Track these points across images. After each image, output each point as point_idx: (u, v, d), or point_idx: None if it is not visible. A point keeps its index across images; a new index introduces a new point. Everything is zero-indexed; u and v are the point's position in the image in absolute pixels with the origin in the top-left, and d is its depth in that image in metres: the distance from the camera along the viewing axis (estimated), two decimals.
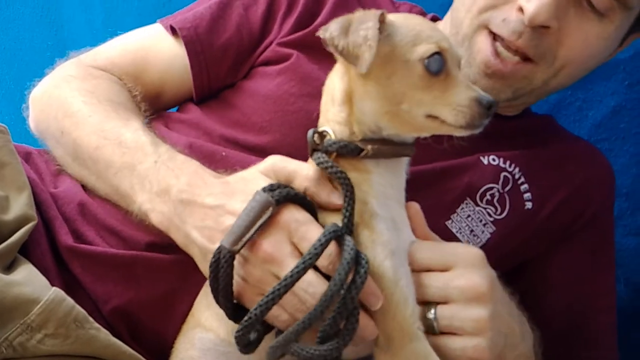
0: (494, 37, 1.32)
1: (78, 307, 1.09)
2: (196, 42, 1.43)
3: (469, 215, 1.33)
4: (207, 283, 1.17)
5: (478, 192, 1.34)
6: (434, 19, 1.55)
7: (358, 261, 1.02)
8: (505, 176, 1.36)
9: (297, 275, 1.01)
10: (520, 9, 1.28)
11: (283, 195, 1.06)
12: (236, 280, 1.07)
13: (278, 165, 1.13)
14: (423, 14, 1.56)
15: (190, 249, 1.16)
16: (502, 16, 1.31)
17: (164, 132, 1.38)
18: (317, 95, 1.28)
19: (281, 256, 1.05)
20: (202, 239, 1.12)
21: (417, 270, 1.11)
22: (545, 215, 1.39)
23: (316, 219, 1.09)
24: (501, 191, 1.36)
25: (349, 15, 1.08)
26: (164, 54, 1.47)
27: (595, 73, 1.78)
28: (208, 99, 1.47)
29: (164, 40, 1.48)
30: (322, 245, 1.02)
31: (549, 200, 1.39)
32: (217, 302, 1.08)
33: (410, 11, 1.54)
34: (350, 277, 1.01)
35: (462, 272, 1.11)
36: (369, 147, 1.09)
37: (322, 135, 1.12)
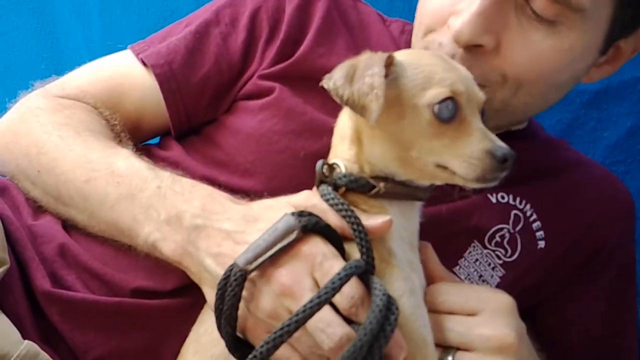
0: None
1: None
2: (171, 79, 1.32)
3: (477, 260, 1.25)
4: (194, 328, 1.11)
5: (487, 234, 1.25)
6: None
7: (389, 307, 0.94)
8: (515, 214, 1.27)
9: (310, 310, 0.92)
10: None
11: (312, 224, 0.98)
12: (244, 312, 1.00)
13: (311, 200, 1.04)
14: None
15: (202, 278, 1.07)
16: (439, 39, 1.20)
17: None
18: (302, 132, 1.22)
19: (300, 290, 0.96)
20: (216, 266, 1.03)
21: (440, 312, 1.04)
22: (559, 255, 1.30)
23: (343, 256, 1.00)
24: (512, 231, 1.27)
25: (354, 60, 1.01)
26: (138, 84, 1.36)
27: (609, 92, 1.73)
28: (189, 135, 1.37)
29: (136, 68, 1.36)
30: (340, 280, 0.94)
31: (563, 238, 1.30)
32: (219, 327, 0.99)
33: (402, 29, 1.44)
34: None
35: (488, 319, 1.04)
36: (382, 184, 1.02)
37: (331, 167, 1.05)
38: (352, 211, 1.00)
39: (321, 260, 0.98)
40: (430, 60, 1.01)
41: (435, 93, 0.97)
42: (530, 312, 1.31)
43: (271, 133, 1.27)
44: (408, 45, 1.40)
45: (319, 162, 1.06)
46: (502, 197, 1.28)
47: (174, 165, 1.29)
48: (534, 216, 1.29)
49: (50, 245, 1.21)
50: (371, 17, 1.45)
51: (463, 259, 1.24)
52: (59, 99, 1.34)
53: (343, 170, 1.05)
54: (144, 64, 1.35)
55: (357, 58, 1.02)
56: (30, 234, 1.22)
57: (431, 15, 1.22)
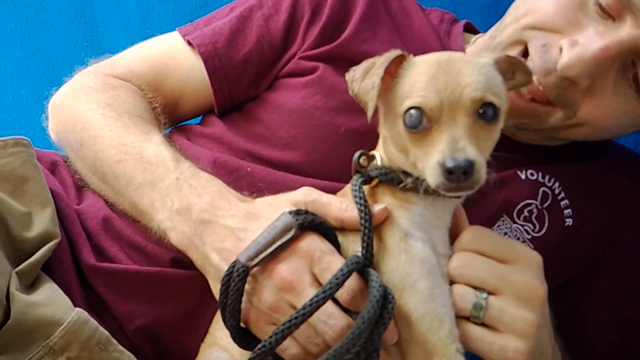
0: (525, 56, 1.25)
1: (101, 329, 1.07)
2: (215, 57, 1.39)
3: (505, 233, 1.28)
4: None
5: (515, 209, 1.28)
6: (467, 27, 1.49)
7: (385, 296, 0.99)
8: (544, 191, 1.30)
9: (316, 304, 0.98)
10: (562, 50, 1.20)
11: (308, 221, 1.04)
12: (247, 305, 1.05)
13: (311, 196, 1.10)
14: (455, 20, 1.49)
15: (206, 270, 1.13)
16: (545, 41, 1.22)
17: (187, 146, 1.35)
18: (343, 110, 1.27)
19: (300, 284, 1.02)
20: (219, 260, 1.09)
21: (477, 253, 1.07)
22: (586, 233, 1.32)
23: (338, 250, 1.06)
24: (540, 207, 1.29)
25: (377, 57, 1.06)
26: (183, 64, 1.43)
27: None
28: (230, 112, 1.43)
29: (183, 49, 1.43)
30: (344, 276, 0.99)
31: (591, 217, 1.32)
32: (224, 319, 1.05)
33: (441, 18, 1.47)
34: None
35: (523, 270, 1.07)
36: (409, 179, 1.06)
37: (370, 158, 1.10)
38: (367, 207, 1.04)
39: (319, 256, 1.03)
40: (423, 69, 1.03)
41: (408, 103, 1.01)
42: (556, 294, 1.35)
43: (313, 109, 1.32)
44: (447, 34, 1.44)
45: (357, 153, 1.11)
46: (532, 174, 1.31)
47: (216, 141, 1.36)
48: (562, 194, 1.31)
49: (94, 220, 1.27)
50: (412, 5, 1.48)
51: None
52: (109, 78, 1.41)
53: (379, 162, 1.10)
54: (190, 44, 1.41)
55: (380, 55, 1.06)
56: (76, 211, 1.28)
57: (548, 17, 1.23)
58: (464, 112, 0.99)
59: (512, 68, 1.09)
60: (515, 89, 1.12)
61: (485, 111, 1.00)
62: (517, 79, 1.11)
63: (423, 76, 1.02)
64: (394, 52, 1.04)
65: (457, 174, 0.95)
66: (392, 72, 1.04)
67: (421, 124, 0.99)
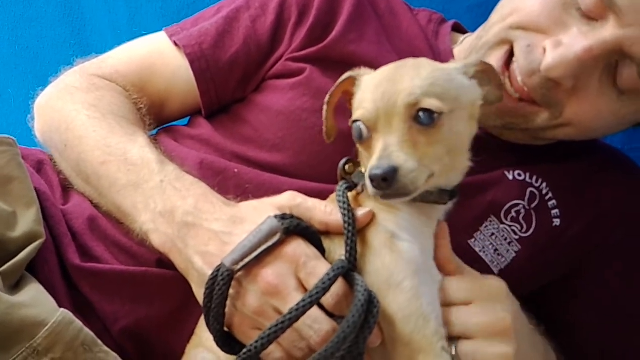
0: (511, 56, 1.25)
1: (86, 330, 1.06)
2: (201, 59, 1.38)
3: (493, 234, 1.28)
4: None
5: (503, 209, 1.28)
6: (456, 27, 1.49)
7: (370, 300, 0.99)
8: (531, 192, 1.30)
9: (303, 309, 0.97)
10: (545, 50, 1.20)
11: (294, 226, 1.04)
12: (231, 309, 1.05)
13: (295, 200, 1.11)
14: (443, 21, 1.49)
15: (189, 274, 1.13)
16: (530, 41, 1.22)
17: (173, 147, 1.34)
18: None
19: (286, 289, 1.02)
20: (202, 264, 1.09)
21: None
22: (574, 233, 1.32)
23: (323, 254, 1.06)
24: (527, 208, 1.29)
25: None
26: (170, 65, 1.42)
27: None
28: (218, 113, 1.42)
29: (169, 50, 1.43)
30: (330, 280, 0.99)
31: (578, 217, 1.32)
32: (208, 323, 1.05)
33: (430, 18, 1.47)
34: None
35: (482, 307, 1.07)
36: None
37: (356, 164, 1.11)
38: (350, 211, 1.05)
39: (305, 261, 1.03)
40: (373, 81, 1.05)
41: (353, 117, 1.04)
42: (544, 292, 1.36)
43: (300, 111, 1.32)
44: (435, 34, 1.44)
45: (342, 160, 1.12)
46: (519, 175, 1.31)
47: (203, 142, 1.36)
48: (550, 195, 1.31)
49: (80, 220, 1.26)
50: (400, 5, 1.48)
51: (479, 232, 1.27)
52: (95, 79, 1.40)
53: (363, 169, 1.10)
54: (177, 45, 1.41)
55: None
56: (62, 211, 1.27)
57: (533, 16, 1.23)
58: (399, 118, 1.00)
59: (487, 77, 1.09)
60: (492, 102, 1.11)
61: (421, 116, 1.00)
62: (491, 92, 1.10)
63: (369, 87, 1.04)
64: (342, 77, 1.08)
65: (377, 182, 0.96)
66: (350, 92, 1.08)
67: (363, 135, 1.02)
